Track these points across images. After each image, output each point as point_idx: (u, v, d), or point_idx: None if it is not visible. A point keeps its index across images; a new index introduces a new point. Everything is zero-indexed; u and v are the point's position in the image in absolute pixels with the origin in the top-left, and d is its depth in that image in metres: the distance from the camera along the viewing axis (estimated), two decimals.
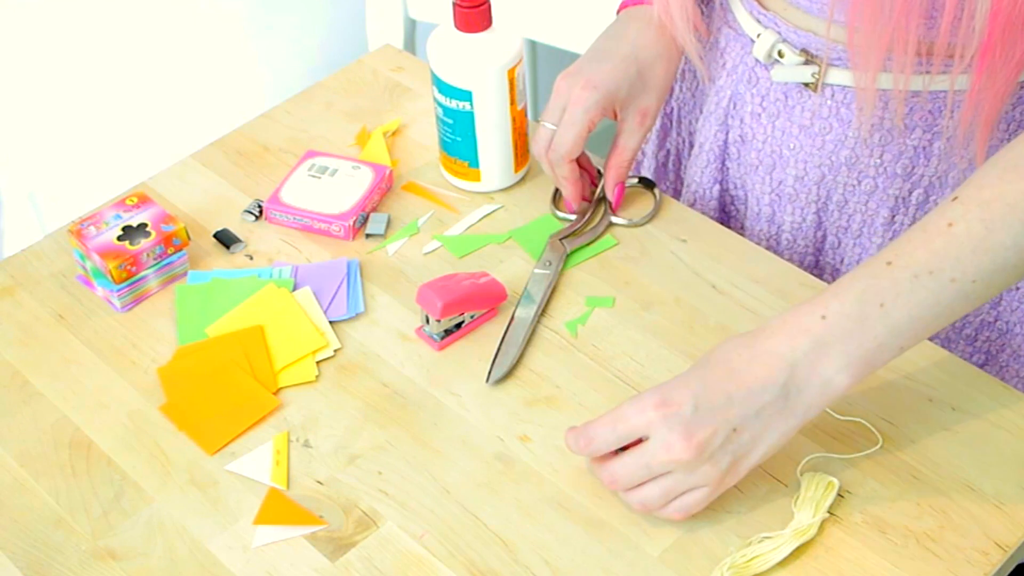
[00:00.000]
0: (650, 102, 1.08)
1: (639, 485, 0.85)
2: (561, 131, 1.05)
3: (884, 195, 1.05)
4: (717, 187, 1.14)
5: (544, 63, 2.25)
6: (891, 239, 1.07)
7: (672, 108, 1.21)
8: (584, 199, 1.11)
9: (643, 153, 1.27)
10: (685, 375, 0.85)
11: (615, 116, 1.09)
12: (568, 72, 1.06)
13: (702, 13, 1.09)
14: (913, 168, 1.03)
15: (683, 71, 1.18)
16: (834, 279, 1.03)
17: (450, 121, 1.10)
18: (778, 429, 0.83)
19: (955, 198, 0.83)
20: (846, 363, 0.82)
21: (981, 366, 1.10)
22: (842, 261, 1.11)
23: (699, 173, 1.15)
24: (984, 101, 0.94)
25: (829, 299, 0.83)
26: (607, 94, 1.05)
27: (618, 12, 1.12)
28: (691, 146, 1.20)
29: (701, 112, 1.16)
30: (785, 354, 0.82)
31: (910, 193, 1.04)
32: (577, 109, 1.04)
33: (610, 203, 1.11)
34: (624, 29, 1.08)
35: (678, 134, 1.22)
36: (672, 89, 1.19)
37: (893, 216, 1.06)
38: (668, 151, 1.24)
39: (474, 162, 1.12)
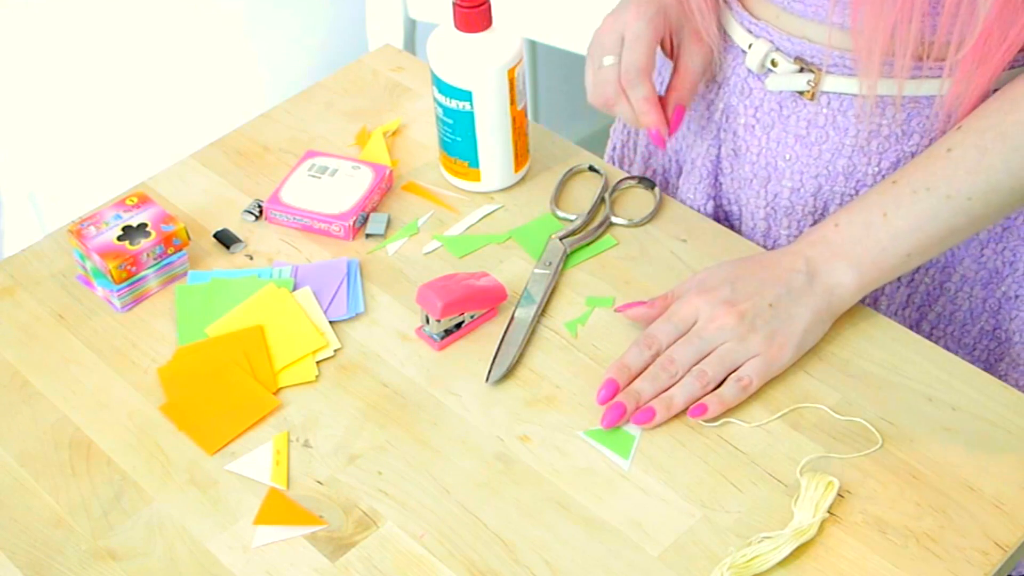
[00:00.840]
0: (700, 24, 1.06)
1: (695, 366, 0.94)
2: (628, 52, 1.03)
3: None
4: (711, 203, 1.13)
5: (544, 63, 2.25)
6: None
7: None
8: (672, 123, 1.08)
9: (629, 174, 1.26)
10: (719, 264, 0.99)
11: (670, 49, 1.07)
12: (611, 12, 1.05)
13: None
14: None
15: None
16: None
17: (450, 121, 1.10)
18: (809, 306, 0.95)
19: (959, 127, 0.94)
20: (855, 263, 0.95)
21: None
22: None
23: (692, 191, 1.14)
24: (972, 90, 0.93)
25: (842, 212, 0.97)
26: (660, 8, 1.03)
27: None
28: (677, 165, 1.19)
29: (688, 128, 1.15)
30: (805, 251, 0.97)
31: None
32: (638, 23, 1.02)
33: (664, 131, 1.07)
34: None
35: (664, 154, 1.21)
36: None
37: None
38: (655, 171, 1.23)
39: (474, 162, 1.12)
